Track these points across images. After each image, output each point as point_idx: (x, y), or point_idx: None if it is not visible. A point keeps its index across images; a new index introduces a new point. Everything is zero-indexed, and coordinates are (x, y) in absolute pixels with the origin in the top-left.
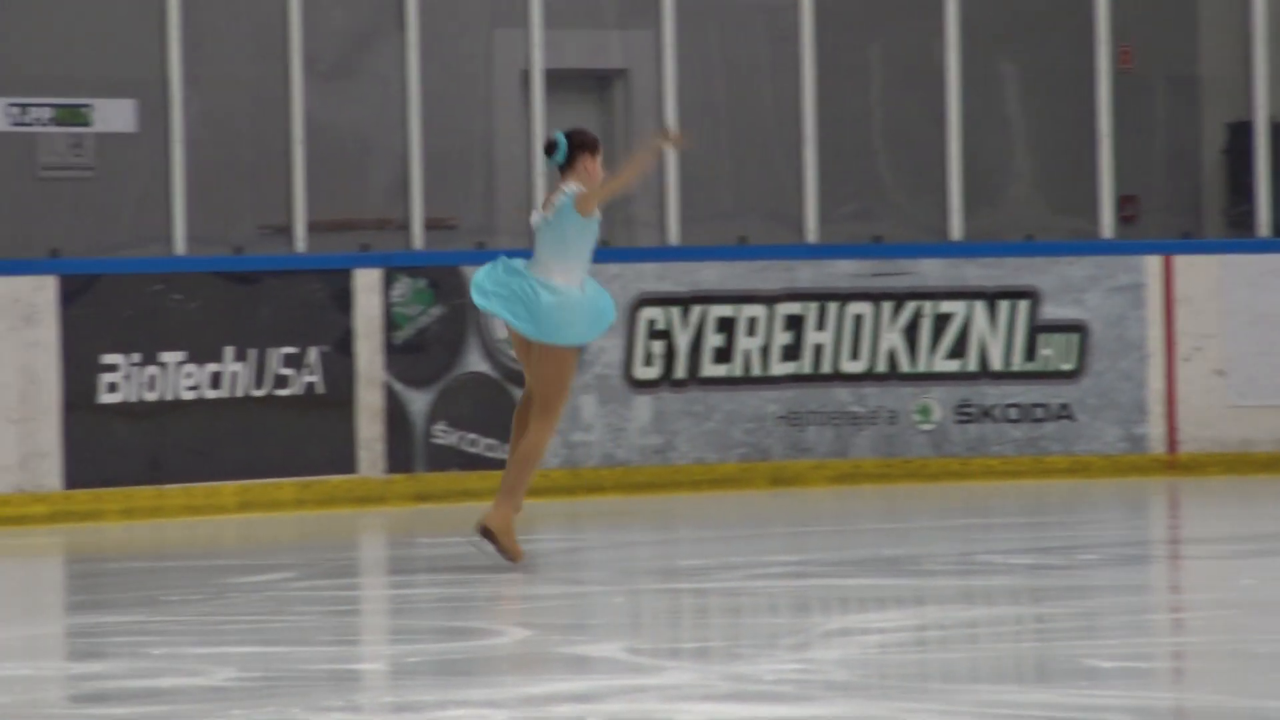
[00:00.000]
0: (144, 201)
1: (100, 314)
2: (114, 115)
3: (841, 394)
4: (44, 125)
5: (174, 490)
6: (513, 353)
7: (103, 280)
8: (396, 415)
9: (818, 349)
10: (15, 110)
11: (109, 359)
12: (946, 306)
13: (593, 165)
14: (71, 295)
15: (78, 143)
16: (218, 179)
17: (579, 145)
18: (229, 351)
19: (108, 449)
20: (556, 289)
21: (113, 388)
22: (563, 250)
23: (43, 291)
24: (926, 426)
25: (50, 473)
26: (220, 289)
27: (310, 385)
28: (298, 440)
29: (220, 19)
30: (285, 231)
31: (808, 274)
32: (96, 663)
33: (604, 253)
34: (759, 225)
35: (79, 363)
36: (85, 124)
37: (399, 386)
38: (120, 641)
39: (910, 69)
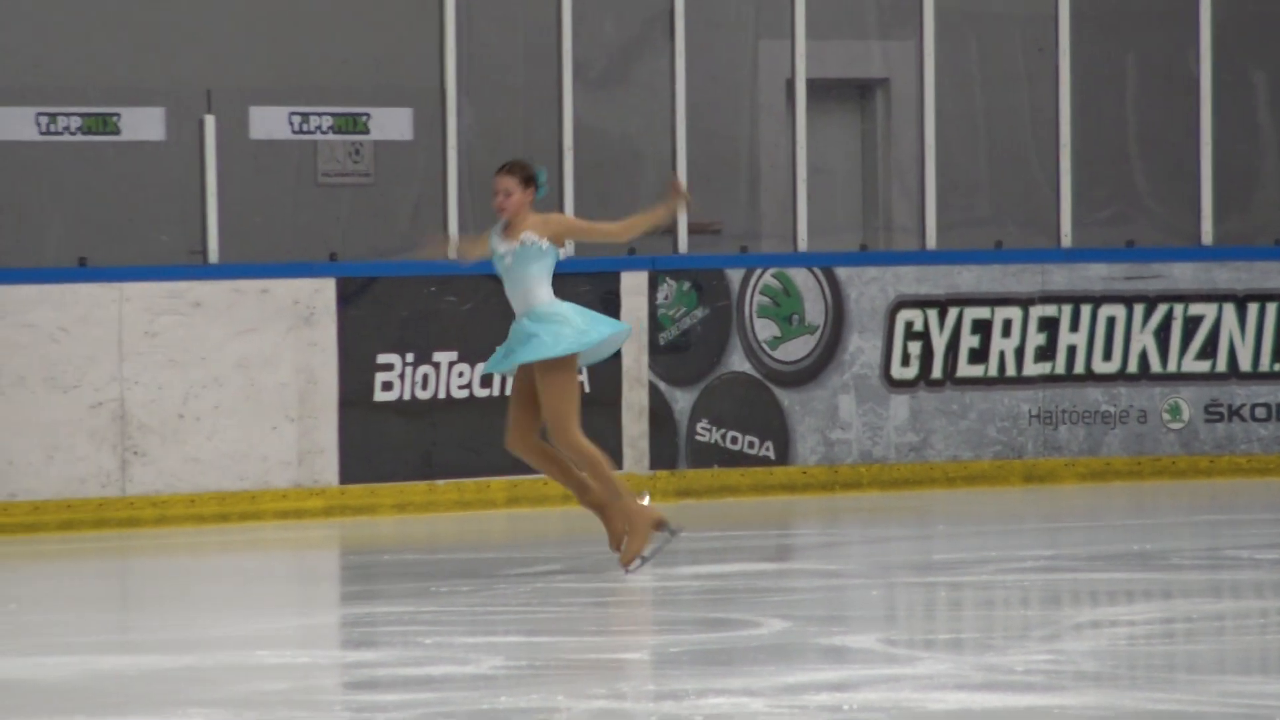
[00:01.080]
0: (419, 207)
1: (376, 315)
2: (391, 124)
3: (1094, 393)
4: (324, 134)
5: (445, 485)
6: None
7: (379, 283)
8: (660, 413)
9: (1071, 350)
10: (296, 119)
11: (384, 358)
12: (1197, 309)
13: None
14: (349, 297)
15: (356, 150)
16: (490, 185)
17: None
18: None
19: (382, 445)
20: (538, 313)
21: (388, 386)
22: (542, 278)
23: (322, 294)
24: (1176, 425)
25: (327, 468)
26: (491, 291)
27: (578, 384)
28: None
29: (494, 30)
30: None
31: (1062, 277)
32: (370, 651)
33: (864, 256)
34: (1015, 230)
35: (356, 362)
36: (364, 132)
37: (663, 386)
38: (392, 631)
39: (1164, 77)
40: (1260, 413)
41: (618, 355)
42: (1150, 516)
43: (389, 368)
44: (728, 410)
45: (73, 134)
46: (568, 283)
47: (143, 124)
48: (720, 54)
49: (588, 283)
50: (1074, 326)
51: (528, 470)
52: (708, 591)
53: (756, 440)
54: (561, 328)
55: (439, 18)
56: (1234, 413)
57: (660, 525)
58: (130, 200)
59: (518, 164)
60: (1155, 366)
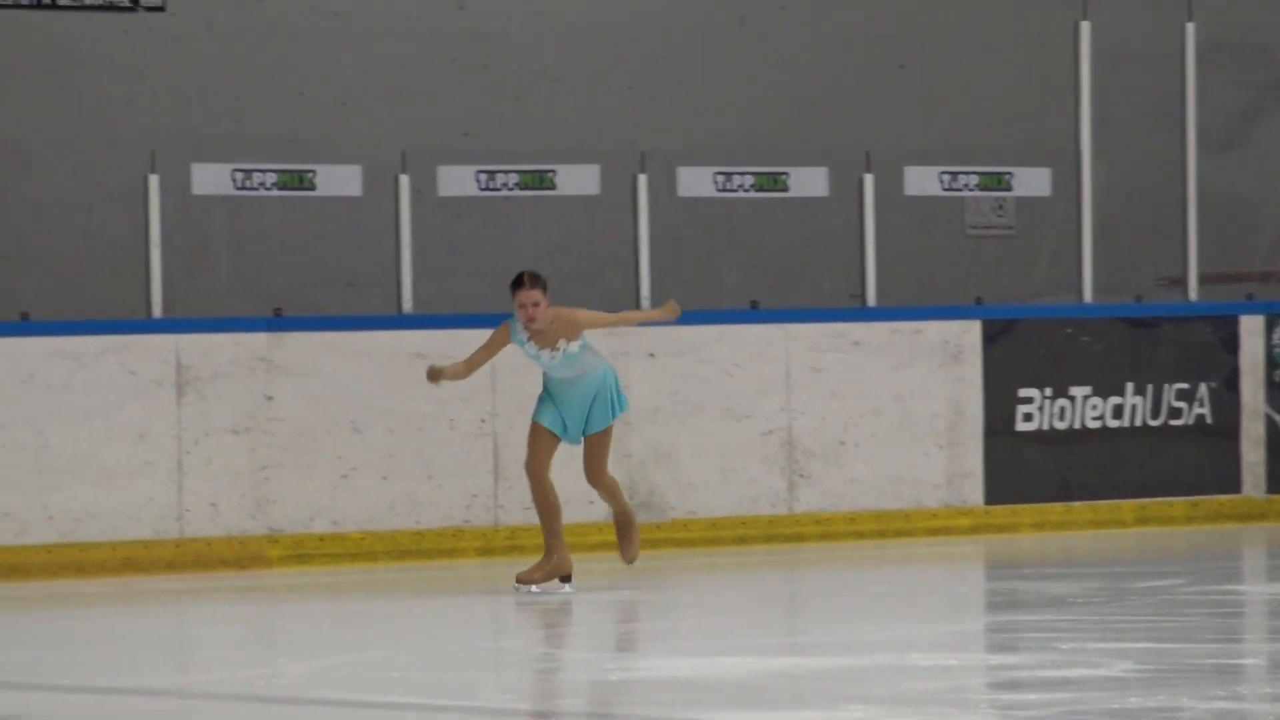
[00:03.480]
0: (1057, 256)
1: (1018, 353)
2: (1032, 181)
3: None
4: (971, 190)
5: (1080, 507)
6: None
7: (1020, 324)
8: (1276, 443)
9: None
10: (946, 177)
11: (1025, 392)
12: None
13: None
14: (993, 337)
15: (1000, 205)
16: (1121, 236)
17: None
18: (1129, 386)
19: (1023, 470)
20: (587, 387)
21: (1028, 417)
22: (585, 357)
23: (968, 334)
24: None
25: (973, 490)
26: (1122, 332)
27: (1200, 416)
28: (1188, 464)
29: (1123, 97)
30: (1180, 282)
31: None
32: (1011, 655)
33: None
34: None
35: (998, 395)
36: (1006, 189)
37: (1278, 418)
38: (1032, 637)
39: None
40: None
41: (1235, 391)
42: None
43: (1029, 400)
44: None
45: (746, 190)
46: (1188, 326)
47: (809, 182)
48: None
49: (1209, 325)
50: None
51: (1155, 493)
52: None
53: None
54: (613, 393)
55: (1074, 86)
56: None
57: (566, 578)
58: (797, 249)
59: (537, 276)
60: None
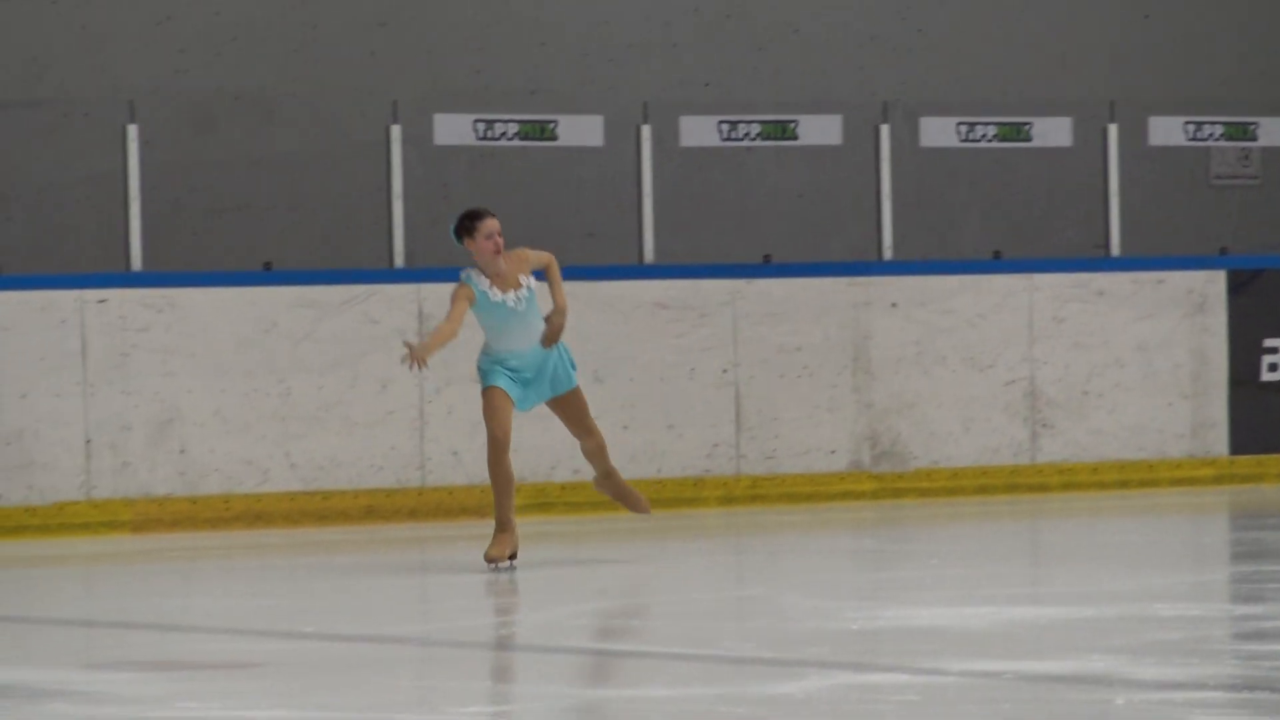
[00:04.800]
0: None
1: (1263, 303)
2: (1277, 131)
3: None
4: (1216, 140)
5: None
6: None
7: (1266, 274)
8: None
9: None
10: (1191, 127)
11: (1271, 342)
12: None
13: (473, 244)
14: (1238, 287)
15: (1246, 155)
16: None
17: (462, 230)
18: None
19: (1268, 421)
20: (542, 350)
21: (1273, 368)
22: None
23: (1213, 284)
24: None
25: (1218, 441)
26: None
27: None
28: None
29: None
30: None
31: None
32: (1256, 605)
33: None
34: None
35: (1243, 345)
36: (1252, 139)
37: None
38: (1277, 588)
39: None
40: None
41: None
42: None
43: (1275, 350)
44: None
45: (989, 141)
46: None
47: (1052, 132)
48: None
49: None
50: None
51: None
52: None
53: None
54: (566, 352)
55: None
56: None
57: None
58: (1040, 199)
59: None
60: None
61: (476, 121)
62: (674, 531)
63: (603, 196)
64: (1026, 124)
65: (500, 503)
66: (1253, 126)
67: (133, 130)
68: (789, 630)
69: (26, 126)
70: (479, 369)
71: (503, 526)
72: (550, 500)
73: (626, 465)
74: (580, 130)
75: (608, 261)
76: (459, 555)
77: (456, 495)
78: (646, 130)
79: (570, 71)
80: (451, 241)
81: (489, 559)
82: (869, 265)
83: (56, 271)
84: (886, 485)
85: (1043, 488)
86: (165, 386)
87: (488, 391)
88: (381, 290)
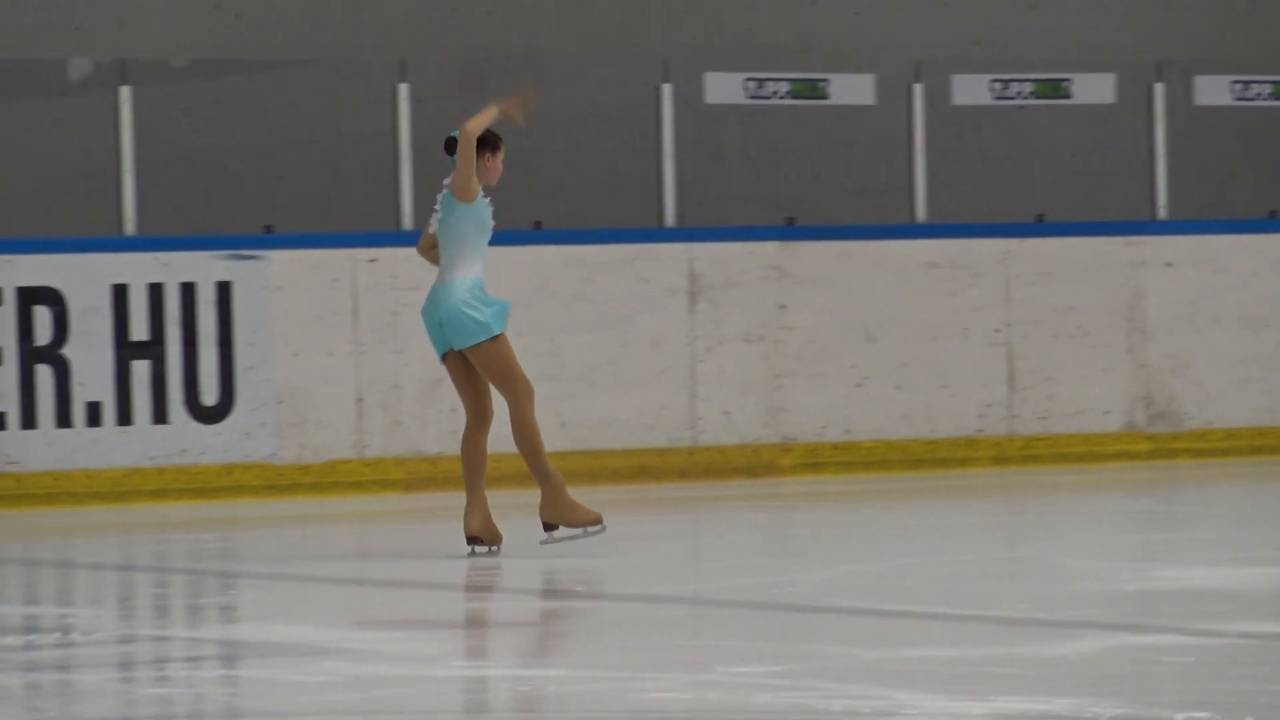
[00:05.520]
0: None
1: None
2: None
3: None
4: None
5: None
6: None
7: None
8: None
9: None
10: None
11: None
12: None
13: (492, 161)
14: None
15: None
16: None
17: (490, 144)
18: None
19: None
20: (454, 289)
21: None
22: (460, 243)
23: None
24: None
25: None
26: None
27: None
28: None
29: None
30: None
31: None
32: None
33: None
34: None
35: None
36: None
37: None
38: None
39: None
40: None
41: None
42: None
43: None
44: None
45: (1264, 99)
46: None
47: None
48: None
49: None
50: None
51: None
52: None
53: None
54: (478, 312)
55: None
56: None
57: (552, 528)
58: None
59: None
60: None
61: (747, 80)
62: (946, 491)
63: (873, 155)
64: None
65: (475, 483)
66: None
67: (404, 89)
68: (1063, 591)
69: (299, 86)
70: (478, 313)
71: (475, 504)
72: (821, 460)
73: (899, 425)
74: (851, 89)
75: (878, 221)
76: (730, 515)
77: (728, 455)
78: (918, 89)
79: (841, 30)
80: (726, 201)
81: (468, 540)
82: (1143, 224)
83: (329, 230)
84: (1161, 446)
85: None
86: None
87: (502, 340)
88: (651, 250)
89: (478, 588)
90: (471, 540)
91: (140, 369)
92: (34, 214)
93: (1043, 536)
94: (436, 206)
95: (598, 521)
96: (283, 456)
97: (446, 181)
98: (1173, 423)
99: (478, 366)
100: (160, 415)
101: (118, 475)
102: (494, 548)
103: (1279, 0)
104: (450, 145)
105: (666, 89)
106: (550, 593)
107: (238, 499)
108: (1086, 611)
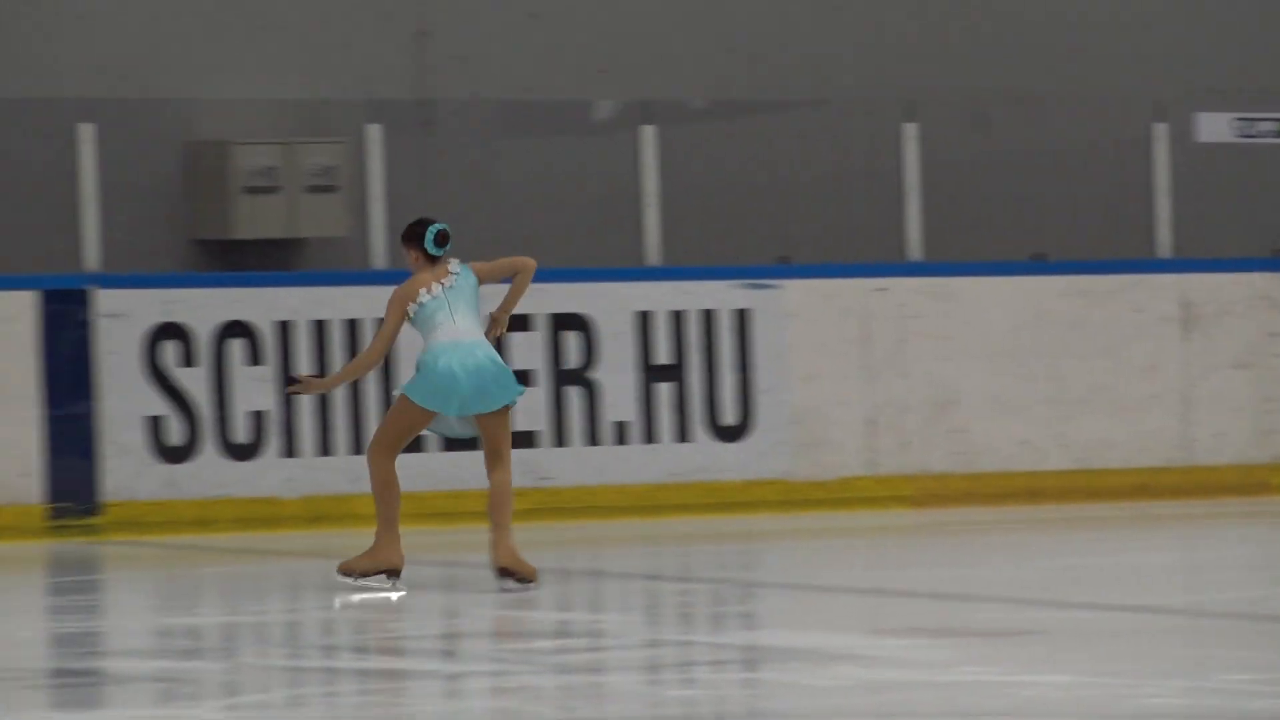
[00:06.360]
0: None
1: None
2: None
3: None
4: None
5: None
6: None
7: None
8: None
9: None
10: None
11: None
12: None
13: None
14: None
15: None
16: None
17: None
18: None
19: None
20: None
21: None
22: (474, 309)
23: None
24: None
25: None
26: None
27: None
28: None
29: None
30: None
31: None
32: None
33: None
34: None
35: None
36: None
37: None
38: None
39: None
40: None
41: None
42: None
43: None
44: None
45: None
46: None
47: None
48: None
49: None
50: None
51: None
52: None
53: None
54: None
55: None
56: None
57: (392, 573)
58: None
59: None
60: None
61: (1235, 119)
62: None
63: None
64: None
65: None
66: None
67: (910, 129)
68: None
69: (811, 124)
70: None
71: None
72: None
73: None
74: None
75: None
76: (1225, 530)
77: (1221, 474)
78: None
79: None
80: (1218, 234)
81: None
82: None
83: (839, 261)
84: None
85: None
86: (940, 370)
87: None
88: (1145, 280)
89: (986, 598)
90: (503, 574)
91: (663, 390)
92: (562, 245)
93: None
94: (422, 299)
95: (395, 574)
96: (797, 474)
97: (453, 266)
98: None
99: (499, 423)
100: (683, 434)
101: (644, 490)
102: (529, 583)
103: None
104: (443, 239)
105: (1159, 128)
106: (1054, 603)
107: (755, 514)
108: None
